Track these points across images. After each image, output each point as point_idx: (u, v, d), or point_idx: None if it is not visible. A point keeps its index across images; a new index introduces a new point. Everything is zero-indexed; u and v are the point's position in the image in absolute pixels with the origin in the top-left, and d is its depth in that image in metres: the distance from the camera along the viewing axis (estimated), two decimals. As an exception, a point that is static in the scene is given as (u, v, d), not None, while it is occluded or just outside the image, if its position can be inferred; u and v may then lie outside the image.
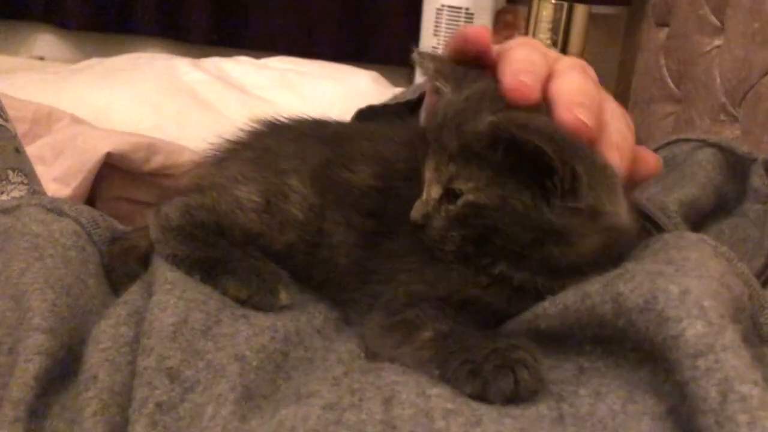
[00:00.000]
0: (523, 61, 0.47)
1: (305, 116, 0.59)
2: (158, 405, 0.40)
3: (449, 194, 0.45)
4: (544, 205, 0.43)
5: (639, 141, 0.52)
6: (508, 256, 0.45)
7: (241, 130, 0.57)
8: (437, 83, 0.50)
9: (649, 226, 0.57)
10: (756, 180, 0.66)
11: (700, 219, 0.64)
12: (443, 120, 0.46)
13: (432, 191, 0.46)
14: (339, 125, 0.60)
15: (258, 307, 0.47)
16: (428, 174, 0.46)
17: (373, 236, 0.49)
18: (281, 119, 0.58)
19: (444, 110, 0.47)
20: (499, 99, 0.45)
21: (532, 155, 0.42)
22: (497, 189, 0.43)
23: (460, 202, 0.44)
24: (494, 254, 0.45)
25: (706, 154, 0.68)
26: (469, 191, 0.44)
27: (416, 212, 0.46)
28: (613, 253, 0.45)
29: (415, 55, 0.52)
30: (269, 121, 0.58)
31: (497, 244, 0.44)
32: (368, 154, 0.52)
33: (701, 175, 0.66)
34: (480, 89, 0.47)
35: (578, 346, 0.42)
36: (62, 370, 0.44)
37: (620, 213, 0.45)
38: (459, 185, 0.44)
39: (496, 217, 0.43)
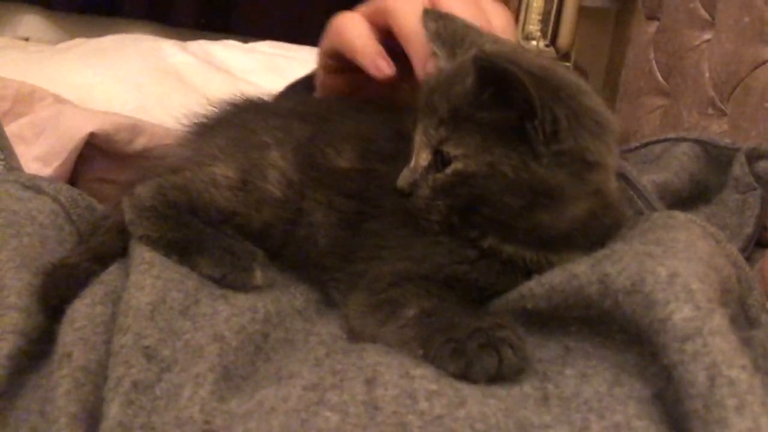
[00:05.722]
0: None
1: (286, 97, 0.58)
2: (134, 384, 0.39)
3: (438, 162, 0.45)
4: (532, 160, 0.42)
5: (627, 133, 0.52)
6: (496, 228, 0.44)
7: (219, 107, 0.56)
8: (433, 46, 0.49)
9: (635, 196, 0.57)
10: (737, 168, 0.67)
11: (675, 203, 0.65)
12: (434, 85, 0.46)
13: (421, 158, 0.45)
14: (320, 103, 0.59)
15: (233, 286, 0.46)
16: (417, 138, 0.46)
17: (355, 217, 0.49)
18: (261, 98, 0.57)
19: (436, 77, 0.47)
20: None
21: (514, 95, 0.41)
22: (486, 155, 0.43)
23: (448, 170, 0.44)
24: (482, 226, 0.44)
25: (683, 147, 0.71)
26: (458, 159, 0.43)
27: (403, 180, 0.46)
28: (602, 227, 0.45)
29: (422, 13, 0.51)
30: (249, 99, 0.57)
31: (485, 214, 0.43)
32: (351, 135, 0.51)
33: (675, 164, 0.68)
34: (471, 57, 0.47)
35: (564, 326, 0.41)
36: (36, 350, 0.43)
37: (609, 164, 0.45)
38: (449, 149, 0.44)
39: (485, 185, 0.43)
